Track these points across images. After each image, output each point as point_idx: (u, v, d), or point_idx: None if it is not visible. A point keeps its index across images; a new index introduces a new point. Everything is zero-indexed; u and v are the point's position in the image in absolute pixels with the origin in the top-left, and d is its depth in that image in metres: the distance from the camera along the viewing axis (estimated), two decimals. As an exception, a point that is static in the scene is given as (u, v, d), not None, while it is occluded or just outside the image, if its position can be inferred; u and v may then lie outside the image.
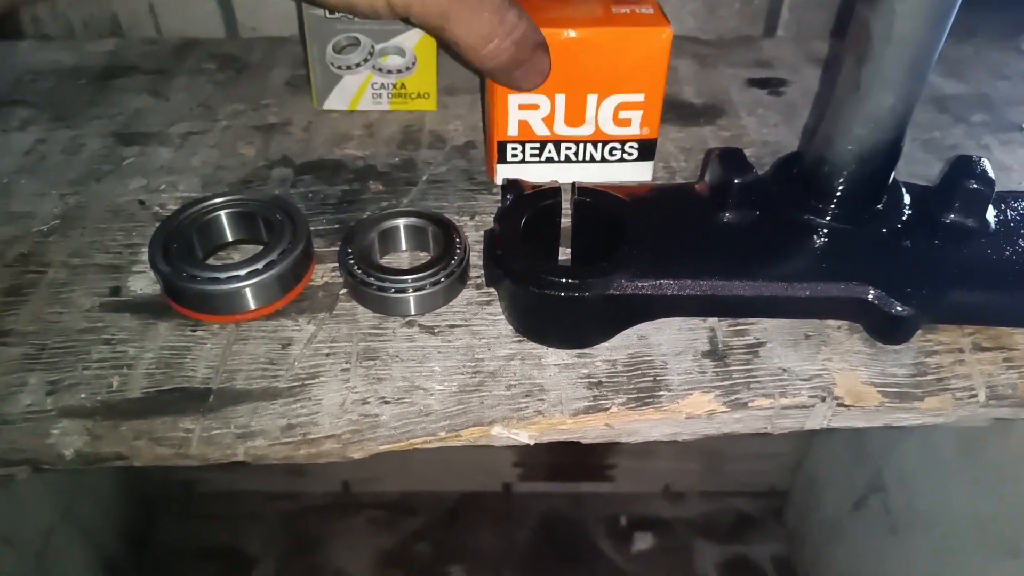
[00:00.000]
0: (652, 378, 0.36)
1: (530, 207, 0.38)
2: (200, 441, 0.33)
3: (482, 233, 0.42)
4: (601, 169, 0.45)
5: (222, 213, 0.40)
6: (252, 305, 0.37)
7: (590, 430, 0.35)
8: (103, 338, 0.37)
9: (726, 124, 0.53)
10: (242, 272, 0.36)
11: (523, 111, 0.42)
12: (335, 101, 0.52)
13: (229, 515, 1.07)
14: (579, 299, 0.35)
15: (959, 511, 0.69)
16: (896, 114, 0.34)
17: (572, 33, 0.40)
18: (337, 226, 0.43)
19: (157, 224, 0.40)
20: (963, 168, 0.37)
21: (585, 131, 0.44)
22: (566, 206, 0.40)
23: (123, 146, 0.49)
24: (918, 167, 0.49)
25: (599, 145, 0.44)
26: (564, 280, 0.34)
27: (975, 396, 0.36)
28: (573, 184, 0.40)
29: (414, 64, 0.50)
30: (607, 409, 0.35)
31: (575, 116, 0.43)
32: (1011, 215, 0.39)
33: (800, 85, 0.57)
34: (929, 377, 0.36)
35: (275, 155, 0.49)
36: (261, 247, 0.38)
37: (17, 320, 0.37)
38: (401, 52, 0.49)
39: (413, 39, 0.49)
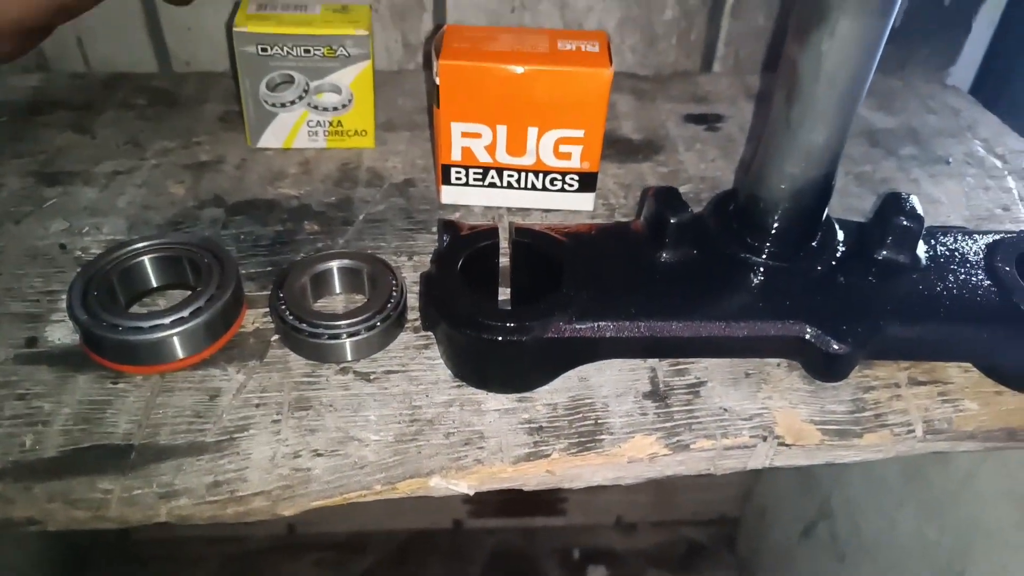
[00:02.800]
0: (594, 421, 0.35)
1: (467, 248, 0.37)
2: (120, 502, 0.31)
3: (419, 274, 0.41)
4: (543, 198, 0.46)
5: (146, 258, 0.38)
6: (178, 354, 0.36)
7: (531, 477, 0.34)
8: (17, 392, 0.35)
9: (664, 160, 0.53)
10: (167, 320, 0.35)
11: (466, 138, 0.44)
12: (270, 139, 0.51)
13: (167, 560, 1.03)
14: (518, 343, 0.34)
15: (904, 536, 0.70)
16: (827, 150, 0.35)
17: (517, 69, 0.41)
18: (270, 268, 0.42)
19: (79, 269, 0.38)
20: (893, 205, 0.38)
21: (526, 161, 0.44)
22: (504, 247, 0.39)
23: (44, 186, 0.47)
24: (852, 200, 0.49)
25: (540, 175, 0.45)
26: (503, 323, 0.34)
27: (912, 431, 0.36)
28: (511, 225, 0.39)
29: (351, 101, 0.49)
30: (548, 455, 0.34)
31: (516, 146, 0.44)
32: (940, 250, 0.39)
33: (737, 120, 0.58)
34: (867, 413, 0.36)
35: (206, 194, 0.47)
36: (188, 292, 0.37)
37: (-77, 375, 0.35)
38: (337, 89, 0.49)
39: (349, 76, 0.48)
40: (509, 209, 0.47)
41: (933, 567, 0.65)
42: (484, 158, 0.44)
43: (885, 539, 0.73)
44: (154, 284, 0.39)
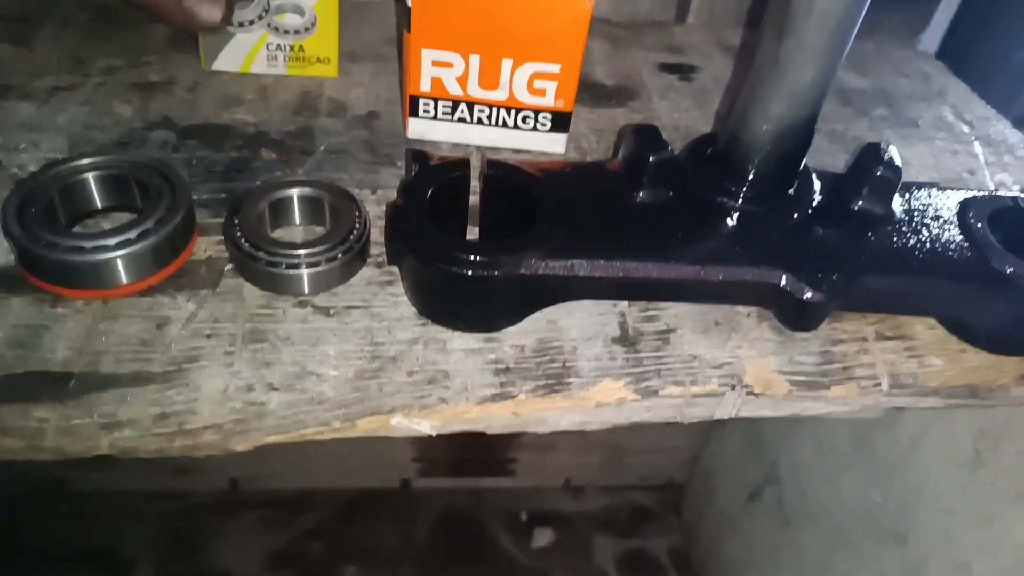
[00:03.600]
0: (561, 364, 0.34)
1: (437, 180, 0.35)
2: (57, 432, 0.29)
3: (384, 208, 0.39)
4: (514, 136, 0.45)
5: (90, 175, 0.35)
6: (123, 279, 0.33)
7: (497, 419, 0.33)
8: (-59, 313, 0.32)
9: (638, 107, 0.52)
10: (111, 241, 0.32)
11: (436, 68, 0.42)
12: (225, 61, 0.48)
13: (104, 515, 0.99)
14: (488, 278, 0.32)
15: (849, 502, 0.71)
16: (814, 90, 0.34)
17: None
18: (224, 195, 0.40)
19: (14, 185, 0.35)
20: (871, 155, 0.37)
21: (499, 96, 0.43)
22: (475, 180, 0.37)
23: (-25, 99, 0.44)
24: (824, 157, 0.49)
25: (512, 112, 0.43)
26: (473, 258, 0.32)
27: (879, 385, 0.36)
28: (483, 157, 0.38)
29: (314, 25, 0.46)
30: (515, 396, 0.33)
31: (489, 79, 0.42)
32: (915, 204, 0.39)
33: (710, 72, 0.57)
34: (835, 366, 0.36)
35: (155, 116, 0.44)
36: (135, 215, 0.34)
37: None
38: (300, 11, 0.46)
39: (313, -2, 0.45)
40: (478, 147, 0.45)
41: (877, 531, 0.67)
42: (455, 90, 0.42)
43: (830, 504, 0.74)
44: (98, 205, 0.36)
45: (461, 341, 0.34)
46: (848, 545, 0.71)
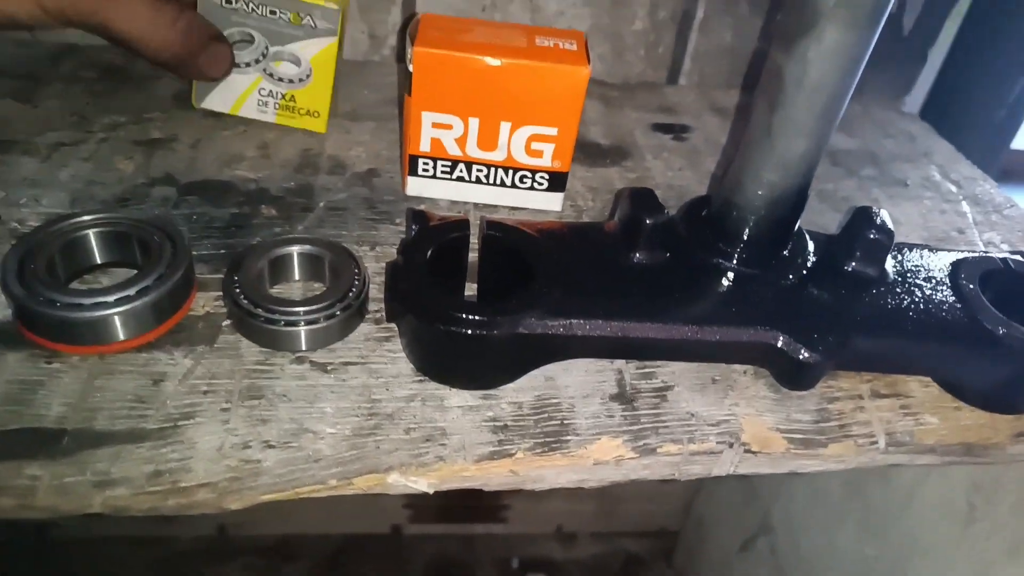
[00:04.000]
0: (559, 422, 0.34)
1: (436, 240, 0.36)
2: (49, 490, 0.29)
3: (383, 265, 0.40)
4: (511, 195, 0.45)
5: (90, 232, 0.36)
6: (121, 335, 0.33)
7: (494, 477, 0.33)
8: (-64, 369, 0.32)
9: (632, 166, 0.53)
10: (110, 298, 0.32)
11: (436, 129, 0.42)
12: (216, 100, 0.48)
13: (88, 562, 0.97)
14: (486, 337, 0.33)
15: (844, 552, 0.70)
16: (806, 160, 0.35)
17: (493, 61, 0.40)
18: (223, 252, 0.40)
19: (15, 241, 0.35)
20: (863, 218, 0.38)
21: (497, 156, 0.43)
22: (474, 240, 0.38)
23: (-21, 154, 0.44)
24: (814, 216, 0.50)
25: (510, 171, 0.44)
26: (470, 317, 0.32)
27: (875, 443, 0.36)
28: (483, 218, 0.38)
29: (308, 77, 0.47)
30: (512, 455, 0.33)
31: (488, 141, 0.43)
32: (907, 265, 0.40)
33: (703, 131, 0.58)
34: (832, 423, 0.36)
35: (157, 172, 0.45)
36: (134, 271, 0.34)
37: None
38: (296, 61, 0.46)
39: (312, 50, 0.46)
40: (476, 205, 0.46)
41: (871, 584, 0.66)
42: (454, 151, 0.43)
43: (824, 555, 0.74)
44: (98, 260, 0.37)
45: (459, 398, 0.34)
46: (843, 599, 0.70)
